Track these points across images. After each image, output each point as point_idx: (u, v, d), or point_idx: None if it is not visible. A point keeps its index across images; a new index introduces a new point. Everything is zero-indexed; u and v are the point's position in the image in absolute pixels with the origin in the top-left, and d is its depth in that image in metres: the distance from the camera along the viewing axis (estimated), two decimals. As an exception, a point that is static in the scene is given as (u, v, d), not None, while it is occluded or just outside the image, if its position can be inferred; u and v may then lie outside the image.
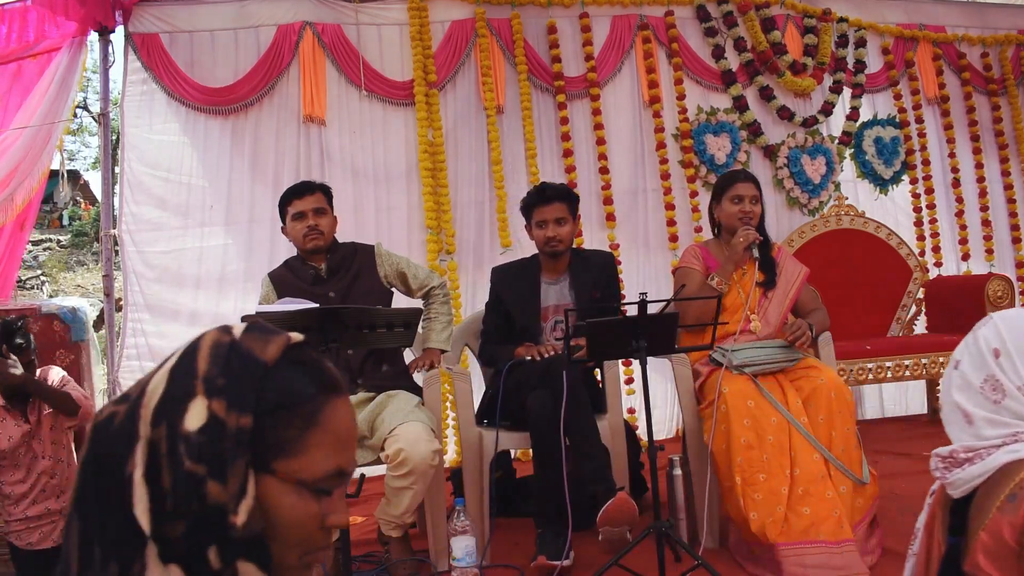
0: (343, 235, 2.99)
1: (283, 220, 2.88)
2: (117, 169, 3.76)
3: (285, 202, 2.84)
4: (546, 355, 2.63)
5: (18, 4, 3.54)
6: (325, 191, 2.87)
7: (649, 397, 2.24)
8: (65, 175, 3.84)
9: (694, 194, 4.41)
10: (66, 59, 3.55)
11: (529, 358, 2.65)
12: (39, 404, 2.70)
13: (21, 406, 2.67)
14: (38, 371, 2.71)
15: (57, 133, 3.59)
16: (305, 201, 2.79)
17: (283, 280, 2.83)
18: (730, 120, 4.51)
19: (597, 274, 2.89)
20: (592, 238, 4.22)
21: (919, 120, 4.88)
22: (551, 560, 2.34)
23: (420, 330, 2.73)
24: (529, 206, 2.89)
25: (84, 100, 13.06)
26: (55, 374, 2.73)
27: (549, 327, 2.89)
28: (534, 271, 2.95)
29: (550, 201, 2.83)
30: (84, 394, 2.79)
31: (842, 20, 4.76)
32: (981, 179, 4.96)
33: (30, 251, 13.94)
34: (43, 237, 14.90)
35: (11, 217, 3.52)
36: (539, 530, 2.50)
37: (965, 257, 4.85)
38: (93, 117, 3.82)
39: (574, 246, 3.06)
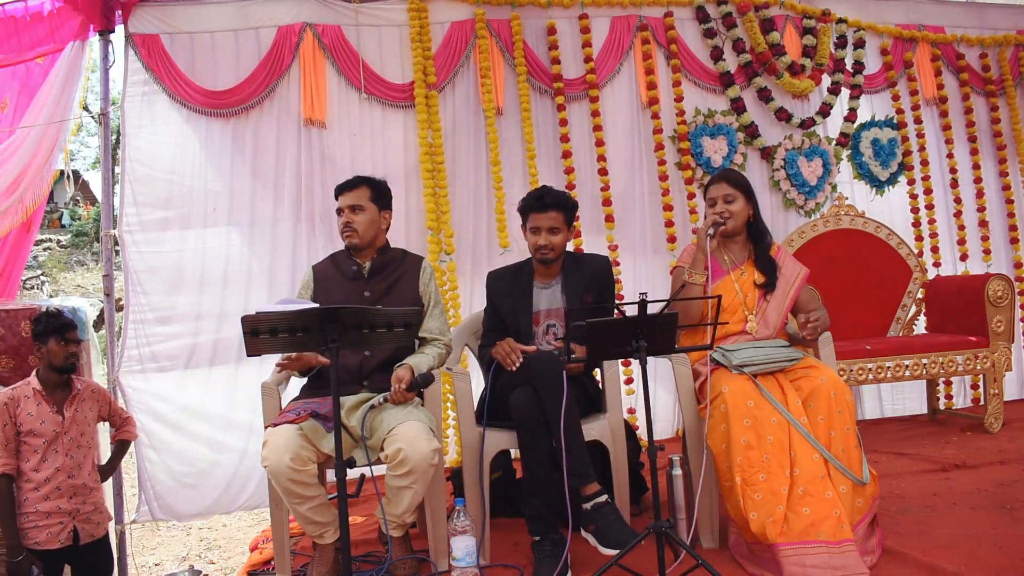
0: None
1: None
2: (117, 169, 3.76)
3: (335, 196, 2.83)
4: (518, 363, 2.60)
5: (19, 4, 3.54)
6: (373, 187, 2.80)
7: (649, 397, 2.24)
8: (71, 175, 3.83)
9: (691, 196, 4.42)
10: (68, 59, 3.56)
11: (511, 364, 2.62)
12: (75, 404, 2.77)
13: (58, 397, 2.78)
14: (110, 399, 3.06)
15: (65, 134, 3.60)
16: (345, 197, 2.77)
17: (324, 272, 2.83)
18: (727, 122, 4.51)
19: (591, 279, 2.87)
20: (591, 239, 4.22)
21: (917, 121, 4.89)
22: None
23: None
24: (525, 210, 2.88)
25: (84, 100, 13.09)
26: (119, 404, 3.15)
27: (541, 331, 2.89)
28: (527, 275, 2.94)
29: (546, 209, 2.80)
30: (132, 432, 3.11)
31: (841, 21, 4.76)
32: (978, 180, 4.97)
33: (30, 251, 13.95)
34: (43, 237, 14.90)
35: (23, 218, 3.53)
36: (535, 538, 2.46)
37: (963, 258, 4.86)
38: (93, 117, 3.82)
39: (571, 249, 3.04)
